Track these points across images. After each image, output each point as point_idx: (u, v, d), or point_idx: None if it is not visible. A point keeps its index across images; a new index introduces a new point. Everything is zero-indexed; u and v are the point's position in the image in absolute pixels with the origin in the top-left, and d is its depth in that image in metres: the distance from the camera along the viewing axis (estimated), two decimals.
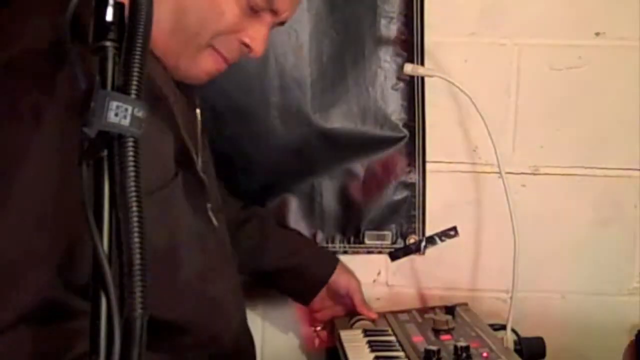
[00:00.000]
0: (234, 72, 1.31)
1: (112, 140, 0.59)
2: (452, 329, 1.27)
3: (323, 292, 1.38)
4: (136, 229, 0.58)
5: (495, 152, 1.31)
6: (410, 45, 1.41)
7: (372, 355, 1.20)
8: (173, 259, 0.98)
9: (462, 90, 1.32)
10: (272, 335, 1.51)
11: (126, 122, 0.59)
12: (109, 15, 0.61)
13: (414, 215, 1.47)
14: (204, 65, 1.00)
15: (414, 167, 1.46)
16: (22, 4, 0.91)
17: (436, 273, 1.50)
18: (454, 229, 1.48)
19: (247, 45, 1.01)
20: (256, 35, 1.00)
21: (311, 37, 1.41)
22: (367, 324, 1.36)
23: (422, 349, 1.15)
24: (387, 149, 1.45)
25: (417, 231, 1.48)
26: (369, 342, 1.25)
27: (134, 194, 0.58)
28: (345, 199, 1.46)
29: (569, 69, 1.43)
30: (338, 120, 1.43)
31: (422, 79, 1.42)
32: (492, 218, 1.45)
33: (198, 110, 1.12)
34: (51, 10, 0.83)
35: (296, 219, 1.46)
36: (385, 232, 1.48)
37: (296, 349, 1.52)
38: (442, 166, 1.47)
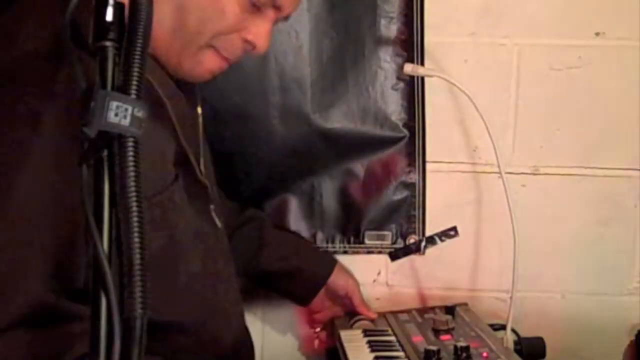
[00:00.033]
0: (234, 72, 1.31)
1: (112, 140, 0.59)
2: (452, 329, 1.27)
3: (322, 293, 1.38)
4: (136, 229, 0.58)
5: (495, 152, 1.31)
6: (410, 45, 1.41)
7: (372, 355, 1.20)
8: (174, 262, 0.98)
9: (462, 90, 1.32)
10: (272, 337, 1.51)
11: (126, 122, 0.59)
12: (109, 15, 0.61)
13: (414, 215, 1.47)
14: (207, 64, 0.99)
15: (414, 167, 1.46)
16: (23, 7, 0.91)
17: (436, 273, 1.50)
18: (454, 229, 1.48)
19: (250, 43, 1.00)
20: (259, 32, 0.99)
21: (311, 37, 1.41)
22: (367, 324, 1.36)
23: (422, 349, 1.15)
24: (387, 149, 1.45)
25: (417, 231, 1.48)
26: (369, 342, 1.25)
27: (134, 194, 0.58)
28: (345, 199, 1.46)
29: (569, 69, 1.43)
30: (338, 120, 1.43)
31: (422, 79, 1.42)
32: (492, 218, 1.45)
33: (199, 109, 1.11)
34: (51, 12, 0.83)
35: (296, 219, 1.46)
36: (385, 232, 1.48)
37: (296, 351, 1.52)
38: (442, 166, 1.47)
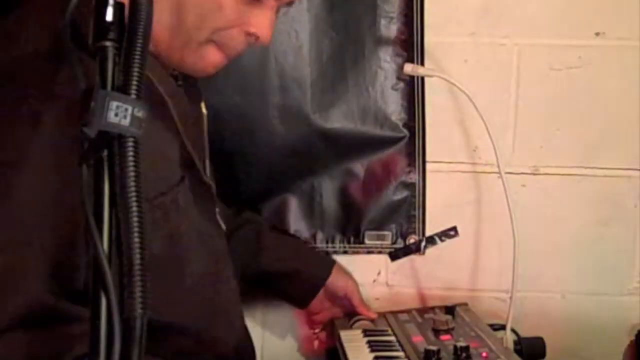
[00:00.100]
0: (234, 72, 1.32)
1: (112, 140, 0.59)
2: (452, 329, 1.27)
3: (321, 295, 1.38)
4: (136, 229, 0.58)
5: (495, 152, 1.31)
6: (410, 45, 1.41)
7: (372, 355, 1.20)
8: (178, 263, 0.98)
9: (462, 90, 1.32)
10: (272, 338, 1.51)
11: (126, 122, 0.59)
12: (109, 15, 0.61)
13: (414, 215, 1.47)
14: (210, 59, 0.98)
15: (414, 167, 1.46)
16: (24, 9, 0.91)
17: (436, 273, 1.50)
18: (454, 229, 1.48)
19: (253, 35, 0.98)
20: (260, 23, 0.97)
21: (311, 37, 1.41)
22: (367, 324, 1.36)
23: (422, 349, 1.15)
24: (387, 149, 1.45)
25: (417, 231, 1.48)
26: (368, 342, 1.25)
27: (134, 194, 0.58)
28: (345, 199, 1.46)
29: (569, 69, 1.43)
30: (338, 120, 1.43)
31: (422, 79, 1.42)
32: (492, 218, 1.45)
33: (204, 109, 1.11)
34: (51, 13, 0.83)
35: (296, 219, 1.46)
36: (385, 232, 1.48)
37: (295, 352, 1.52)
38: (442, 166, 1.47)
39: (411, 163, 1.46)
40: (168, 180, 0.95)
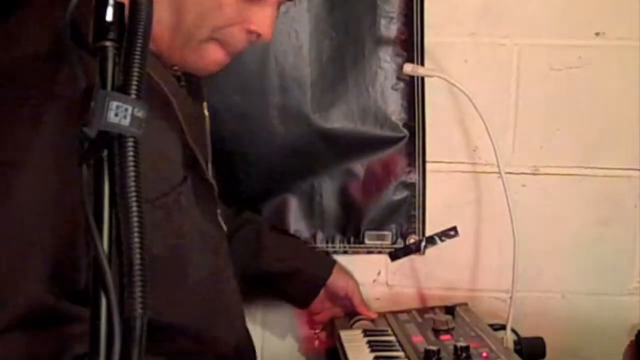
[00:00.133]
0: (234, 72, 1.32)
1: (112, 140, 0.59)
2: (452, 329, 1.27)
3: (321, 295, 1.38)
4: (136, 229, 0.58)
5: (495, 152, 1.31)
6: (410, 45, 1.41)
7: (372, 355, 1.20)
8: (181, 264, 0.98)
9: (462, 90, 1.32)
10: (272, 338, 1.51)
11: (126, 122, 0.59)
12: (109, 15, 0.61)
13: (414, 215, 1.47)
14: (211, 57, 0.98)
15: (414, 167, 1.46)
16: (25, 10, 0.91)
17: (436, 273, 1.50)
18: (454, 229, 1.48)
19: (254, 33, 0.98)
20: (261, 20, 0.97)
21: (311, 37, 1.41)
22: (367, 324, 1.36)
23: (422, 349, 1.15)
24: (387, 149, 1.45)
25: (417, 231, 1.48)
26: (368, 342, 1.25)
27: (134, 194, 0.58)
28: (345, 199, 1.46)
29: (569, 69, 1.43)
30: (338, 120, 1.43)
31: (422, 79, 1.42)
32: (492, 218, 1.45)
33: (206, 111, 1.11)
34: (52, 13, 0.83)
35: (296, 219, 1.46)
36: (385, 232, 1.48)
37: (295, 352, 1.52)
38: (442, 166, 1.47)
39: (411, 163, 1.46)
40: (170, 181, 0.95)
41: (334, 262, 1.42)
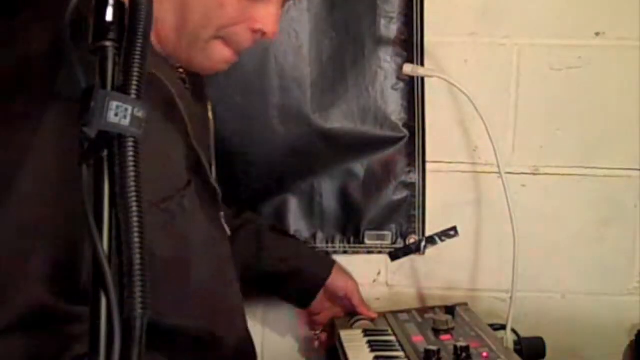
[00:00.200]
0: (234, 72, 1.32)
1: (112, 140, 0.59)
2: (452, 329, 1.27)
3: (321, 295, 1.38)
4: (136, 229, 0.58)
5: (495, 152, 1.31)
6: (410, 45, 1.41)
7: (372, 355, 1.20)
8: (185, 267, 0.98)
9: (461, 91, 1.32)
10: (272, 338, 1.51)
11: (126, 122, 0.59)
12: (109, 15, 0.61)
13: (414, 215, 1.47)
14: (219, 56, 0.99)
15: (414, 167, 1.46)
16: (27, 11, 0.91)
17: (436, 273, 1.50)
18: (454, 229, 1.48)
19: (259, 31, 0.98)
20: (265, 19, 0.98)
21: (311, 37, 1.41)
22: (367, 324, 1.36)
23: (422, 349, 1.15)
24: (387, 149, 1.45)
25: (417, 231, 1.48)
26: (369, 342, 1.25)
27: (134, 194, 0.58)
28: (345, 199, 1.46)
29: (569, 69, 1.43)
30: (338, 120, 1.43)
31: (422, 79, 1.42)
32: (492, 218, 1.45)
33: (210, 114, 1.11)
34: (52, 13, 0.83)
35: (296, 219, 1.46)
36: (385, 232, 1.48)
37: (296, 352, 1.52)
38: (442, 166, 1.47)
39: (411, 163, 1.46)
40: (175, 184, 0.95)
41: (334, 262, 1.42)
